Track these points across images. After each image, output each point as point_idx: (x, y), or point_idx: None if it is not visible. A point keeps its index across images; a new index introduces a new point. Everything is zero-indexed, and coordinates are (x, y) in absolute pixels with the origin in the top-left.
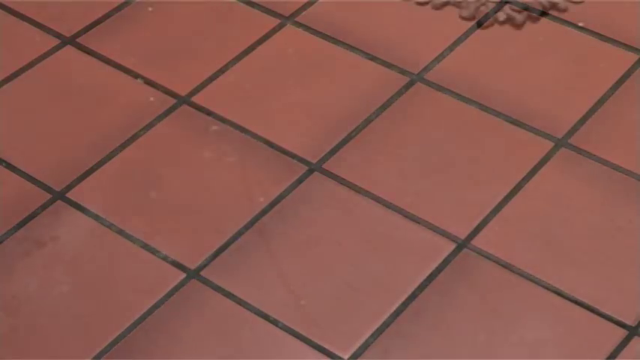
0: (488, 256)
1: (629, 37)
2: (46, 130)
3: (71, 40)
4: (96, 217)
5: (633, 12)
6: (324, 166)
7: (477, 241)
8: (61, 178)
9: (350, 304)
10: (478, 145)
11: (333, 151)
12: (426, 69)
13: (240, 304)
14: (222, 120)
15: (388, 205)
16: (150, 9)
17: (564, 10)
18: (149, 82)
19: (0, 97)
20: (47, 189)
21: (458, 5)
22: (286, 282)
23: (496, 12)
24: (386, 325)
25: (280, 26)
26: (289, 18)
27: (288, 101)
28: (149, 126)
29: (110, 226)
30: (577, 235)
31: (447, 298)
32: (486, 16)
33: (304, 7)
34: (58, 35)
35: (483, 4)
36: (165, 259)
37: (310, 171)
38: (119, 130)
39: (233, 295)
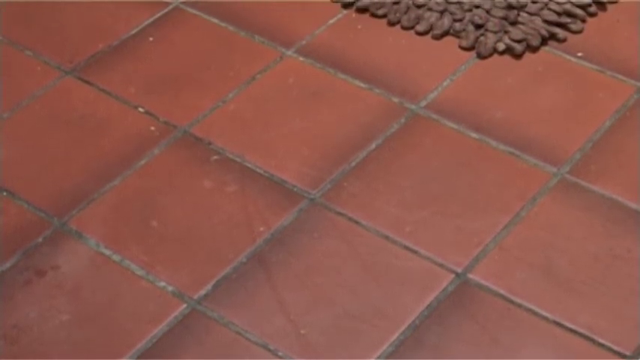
0: (487, 286)
1: (627, 67)
2: (47, 159)
3: (72, 71)
4: (96, 246)
5: (632, 43)
6: (324, 195)
7: (477, 271)
8: (62, 207)
9: (350, 333)
10: (477, 174)
11: (333, 181)
12: (426, 99)
13: (241, 334)
14: (223, 150)
15: (388, 235)
16: (150, 39)
17: (563, 41)
18: (149, 112)
19: (2, 127)
20: (48, 218)
21: (457, 35)
22: (286, 311)
23: (495, 42)
24: (386, 354)
25: (281, 56)
26: (290, 48)
27: (288, 131)
28: (150, 155)
29: (111, 255)
30: (576, 264)
31: (447, 328)
32: (486, 46)
33: (304, 37)
34: (59, 66)
35: (483, 34)
36: (165, 288)
37: (310, 200)
38: (120, 160)
39: (233, 324)
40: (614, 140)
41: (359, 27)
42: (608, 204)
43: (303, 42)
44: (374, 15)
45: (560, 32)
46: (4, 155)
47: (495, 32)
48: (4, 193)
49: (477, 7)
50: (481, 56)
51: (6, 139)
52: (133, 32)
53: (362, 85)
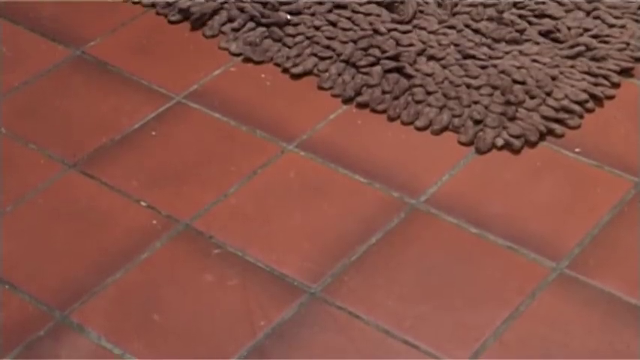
0: None
1: (625, 162)
2: (50, 252)
3: (75, 165)
4: (98, 340)
5: (629, 138)
6: (325, 289)
7: None
8: (64, 300)
9: None
10: (477, 269)
11: (334, 275)
12: (426, 193)
13: None
14: (224, 243)
15: (388, 329)
16: (153, 133)
17: (561, 136)
18: (151, 206)
19: (5, 220)
20: (50, 311)
21: (457, 130)
22: None
23: (494, 137)
24: None
25: (282, 151)
26: (291, 143)
27: (289, 225)
28: (151, 249)
29: (112, 348)
30: (576, 359)
31: None
32: (484, 142)
33: (306, 132)
34: (62, 160)
35: (481, 130)
36: None
37: (311, 294)
38: (122, 253)
39: None
40: (612, 235)
41: (359, 122)
42: (607, 299)
43: (304, 137)
44: (374, 110)
45: (558, 128)
46: (7, 248)
47: (494, 128)
48: (6, 286)
49: (476, 102)
50: (480, 151)
51: (8, 232)
52: (136, 126)
53: (362, 179)
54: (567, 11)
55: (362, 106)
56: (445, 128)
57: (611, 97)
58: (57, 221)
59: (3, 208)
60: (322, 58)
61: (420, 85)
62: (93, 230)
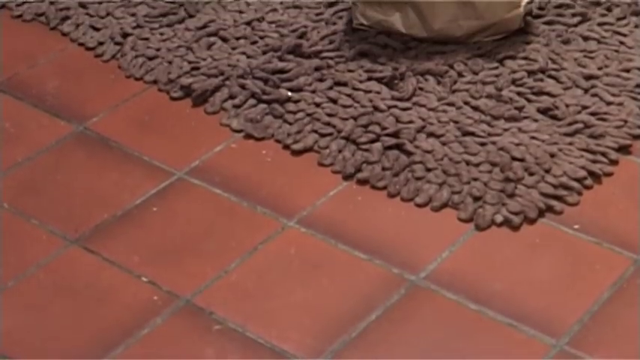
0: None
1: (624, 239)
2: (51, 327)
3: (77, 240)
4: None
5: (628, 215)
6: None
7: None
8: None
9: None
10: (477, 345)
11: (334, 351)
12: (425, 270)
13: None
14: (224, 319)
15: None
16: (154, 209)
17: (560, 213)
18: (153, 282)
19: (6, 295)
20: None
21: (456, 207)
22: None
23: (493, 214)
24: None
25: (282, 227)
26: (291, 219)
27: (289, 301)
28: (152, 325)
29: None
30: None
31: None
32: (484, 218)
33: (306, 208)
34: (64, 235)
35: (481, 207)
36: None
37: None
38: (123, 329)
39: None
40: (612, 312)
41: (359, 198)
42: None
43: (305, 213)
44: (374, 187)
45: (557, 204)
46: (8, 323)
47: (493, 204)
48: None
49: (475, 179)
50: (479, 228)
51: (9, 307)
52: (138, 202)
53: (362, 256)
54: (565, 89)
55: (362, 182)
56: (445, 205)
57: (609, 175)
58: (58, 296)
59: (4, 283)
60: (323, 135)
61: (420, 162)
62: (94, 306)
